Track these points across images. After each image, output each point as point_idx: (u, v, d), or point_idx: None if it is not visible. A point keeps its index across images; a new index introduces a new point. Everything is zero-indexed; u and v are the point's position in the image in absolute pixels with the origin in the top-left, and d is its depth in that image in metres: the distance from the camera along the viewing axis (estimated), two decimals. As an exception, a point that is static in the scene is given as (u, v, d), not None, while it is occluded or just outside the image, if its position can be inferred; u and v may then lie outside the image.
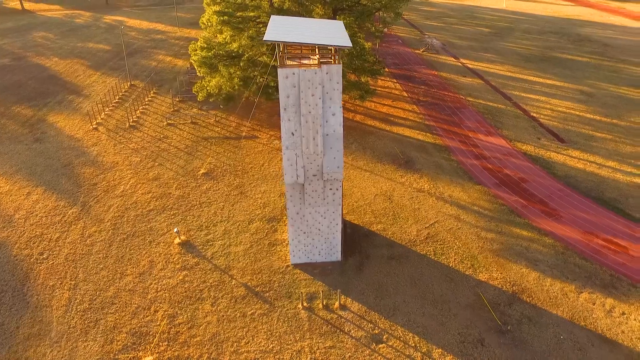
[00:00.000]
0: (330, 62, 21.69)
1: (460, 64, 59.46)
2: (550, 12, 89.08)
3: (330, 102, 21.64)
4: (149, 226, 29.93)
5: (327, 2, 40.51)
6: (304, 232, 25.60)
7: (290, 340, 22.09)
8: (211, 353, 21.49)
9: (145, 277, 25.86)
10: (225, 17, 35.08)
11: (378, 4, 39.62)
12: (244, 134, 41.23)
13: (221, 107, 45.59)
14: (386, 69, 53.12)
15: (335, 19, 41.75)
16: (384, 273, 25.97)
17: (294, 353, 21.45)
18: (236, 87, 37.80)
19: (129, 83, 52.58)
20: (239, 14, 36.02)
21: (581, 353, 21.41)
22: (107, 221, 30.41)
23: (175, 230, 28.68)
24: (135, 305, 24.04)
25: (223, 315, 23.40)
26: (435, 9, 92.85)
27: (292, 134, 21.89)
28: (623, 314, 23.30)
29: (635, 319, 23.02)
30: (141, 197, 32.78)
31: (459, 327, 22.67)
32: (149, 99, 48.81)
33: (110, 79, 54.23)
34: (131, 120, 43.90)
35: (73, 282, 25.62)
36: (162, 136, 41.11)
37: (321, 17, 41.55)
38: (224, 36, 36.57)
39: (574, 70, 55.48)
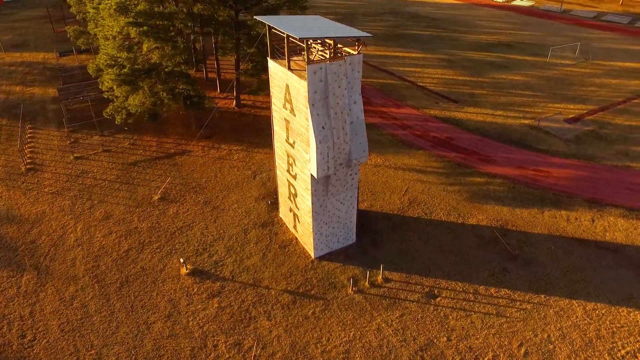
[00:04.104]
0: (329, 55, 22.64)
1: (332, 50, 63.62)
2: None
3: (352, 92, 22.65)
4: (138, 267, 26.56)
5: (231, 4, 39.84)
6: (326, 223, 26.17)
7: (364, 322, 22.93)
8: (302, 361, 21.12)
9: (177, 318, 23.34)
10: (145, 28, 32.02)
11: (282, 0, 40.53)
12: (178, 149, 38.35)
13: (125, 128, 41.21)
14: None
15: (238, 18, 41.49)
16: (398, 241, 28.24)
17: (375, 332, 22.43)
18: (166, 101, 34.90)
19: (-13, 122, 43.27)
20: (156, 22, 33.20)
21: (570, 254, 27.17)
22: (84, 276, 25.97)
23: (181, 260, 26.14)
24: (189, 348, 21.75)
25: (287, 325, 22.86)
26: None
27: (323, 127, 22.29)
28: (577, 219, 30.00)
29: (585, 220, 29.89)
30: (106, 240, 28.58)
31: (483, 264, 26.43)
32: (29, 135, 41.20)
33: (-46, 121, 43.78)
34: (25, 162, 36.74)
35: (93, 352, 21.73)
36: (78, 172, 35.60)
37: (225, 18, 40.78)
38: (144, 48, 33.29)
39: (427, 43, 64.60)
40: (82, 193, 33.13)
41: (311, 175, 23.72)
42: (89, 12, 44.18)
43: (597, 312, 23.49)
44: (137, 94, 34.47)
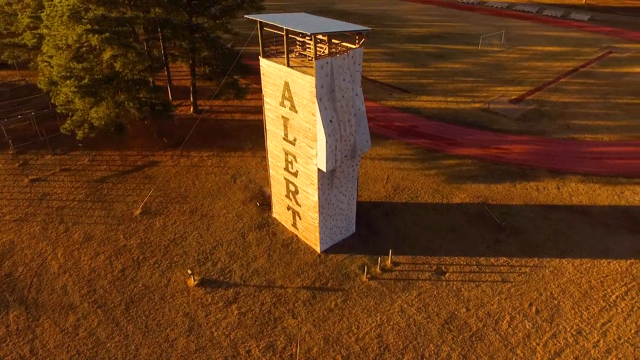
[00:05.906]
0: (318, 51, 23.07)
1: (275, 50, 63.59)
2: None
3: (353, 84, 23.20)
4: (140, 285, 25.13)
5: (184, 7, 38.66)
6: (330, 216, 26.51)
7: (386, 307, 23.64)
8: (339, 350, 21.33)
9: (198, 330, 22.49)
10: (107, 35, 30.14)
11: (239, 0, 40.02)
12: (139, 162, 36.39)
13: (80, 145, 38.48)
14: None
15: (191, 20, 40.33)
16: (394, 227, 29.29)
17: (400, 313, 23.24)
18: (132, 111, 33.07)
19: None
20: (116, 28, 31.35)
21: (548, 220, 29.90)
22: (82, 302, 24.07)
23: (189, 272, 25.10)
24: (221, 359, 21.07)
25: (314, 320, 22.94)
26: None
27: (330, 121, 22.61)
28: (545, 188, 33.00)
29: (551, 188, 32.97)
30: (95, 262, 26.65)
31: (478, 238, 28.26)
32: (-33, 161, 36.99)
33: None
34: (-28, 191, 33.03)
35: (117, 378, 20.37)
36: (39, 195, 32.66)
37: (180, 22, 39.48)
38: (105, 56, 31.27)
39: (366, 39, 66.59)
40: (50, 217, 30.49)
41: (318, 169, 23.94)
42: (21, 22, 40.62)
43: (584, 266, 26.18)
44: (101, 105, 32.34)
